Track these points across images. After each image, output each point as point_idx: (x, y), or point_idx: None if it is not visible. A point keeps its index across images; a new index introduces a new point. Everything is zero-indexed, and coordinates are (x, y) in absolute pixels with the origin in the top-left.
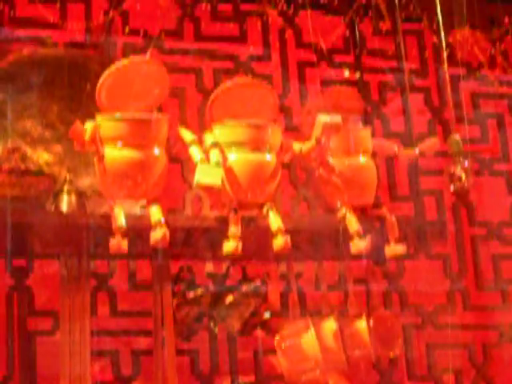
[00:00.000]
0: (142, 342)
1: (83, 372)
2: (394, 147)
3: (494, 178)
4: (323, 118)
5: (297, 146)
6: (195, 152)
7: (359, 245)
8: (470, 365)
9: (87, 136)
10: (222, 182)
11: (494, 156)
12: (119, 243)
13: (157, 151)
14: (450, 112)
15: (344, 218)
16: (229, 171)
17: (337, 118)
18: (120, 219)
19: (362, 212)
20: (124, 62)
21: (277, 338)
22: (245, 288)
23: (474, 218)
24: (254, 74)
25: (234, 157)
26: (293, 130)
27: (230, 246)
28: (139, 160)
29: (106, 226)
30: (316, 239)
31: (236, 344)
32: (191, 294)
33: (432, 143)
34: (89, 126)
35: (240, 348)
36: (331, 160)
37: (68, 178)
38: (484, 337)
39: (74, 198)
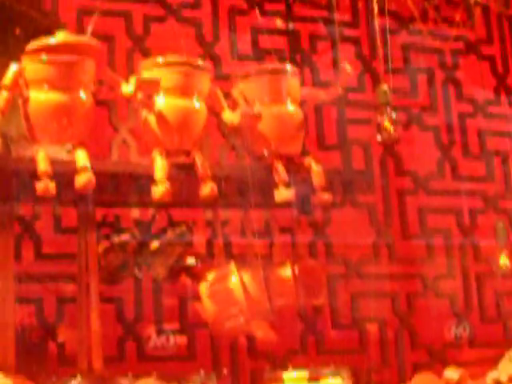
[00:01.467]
0: (67, 289)
1: (7, 318)
2: (322, 95)
3: (422, 131)
4: None
5: None
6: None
7: (285, 193)
8: (393, 314)
9: (8, 79)
10: (150, 127)
11: (423, 110)
12: (46, 186)
13: (83, 94)
14: (380, 63)
15: (271, 166)
16: (157, 116)
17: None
18: (44, 163)
19: (288, 161)
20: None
21: (201, 284)
22: (170, 234)
23: (401, 170)
24: (185, 21)
25: (163, 102)
26: (222, 78)
27: (158, 190)
28: (65, 103)
29: (31, 170)
30: (243, 187)
31: (161, 291)
32: (116, 240)
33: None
34: (12, 68)
35: (165, 295)
36: (259, 108)
37: None
38: (408, 287)
39: None
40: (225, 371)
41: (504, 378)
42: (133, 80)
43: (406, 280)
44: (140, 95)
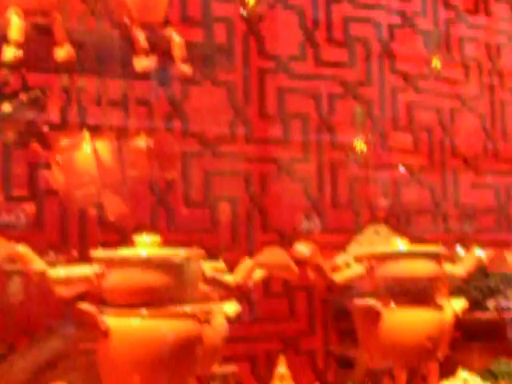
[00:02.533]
0: None
1: None
2: None
3: (287, 11)
4: None
5: None
6: None
7: (144, 62)
8: (246, 195)
9: None
10: None
11: None
12: None
13: None
14: None
15: (131, 34)
16: None
17: None
18: None
19: (150, 30)
20: None
21: (53, 152)
22: (23, 97)
23: (263, 50)
24: None
25: None
26: None
27: (9, 52)
28: None
29: None
30: (101, 55)
31: (11, 157)
32: None
33: None
34: None
35: (15, 161)
36: None
37: None
38: (262, 168)
39: None
40: (74, 253)
41: (352, 259)
42: None
43: (261, 161)
44: None
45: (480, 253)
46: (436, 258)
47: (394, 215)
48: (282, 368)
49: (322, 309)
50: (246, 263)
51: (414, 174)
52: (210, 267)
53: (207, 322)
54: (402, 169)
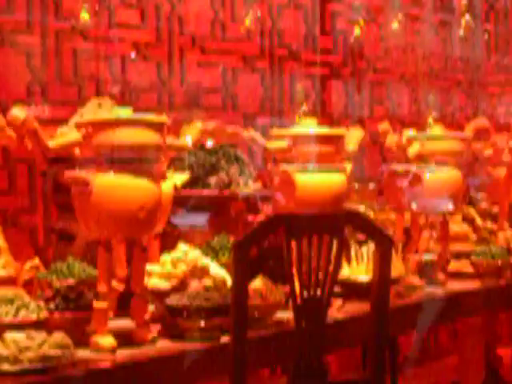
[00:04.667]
0: None
1: None
2: None
3: None
4: None
5: None
6: None
7: None
8: None
9: None
10: None
11: None
12: None
13: None
14: None
15: None
16: None
17: None
18: None
19: None
20: None
21: None
22: None
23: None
24: None
25: None
26: None
27: None
28: None
29: None
30: None
31: None
32: None
33: None
34: None
35: None
36: None
37: None
38: None
39: None
40: None
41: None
42: None
43: None
44: None
45: (200, 125)
46: (157, 127)
47: (119, 90)
48: None
49: (42, 182)
50: None
51: (140, 51)
52: None
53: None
54: (132, 54)
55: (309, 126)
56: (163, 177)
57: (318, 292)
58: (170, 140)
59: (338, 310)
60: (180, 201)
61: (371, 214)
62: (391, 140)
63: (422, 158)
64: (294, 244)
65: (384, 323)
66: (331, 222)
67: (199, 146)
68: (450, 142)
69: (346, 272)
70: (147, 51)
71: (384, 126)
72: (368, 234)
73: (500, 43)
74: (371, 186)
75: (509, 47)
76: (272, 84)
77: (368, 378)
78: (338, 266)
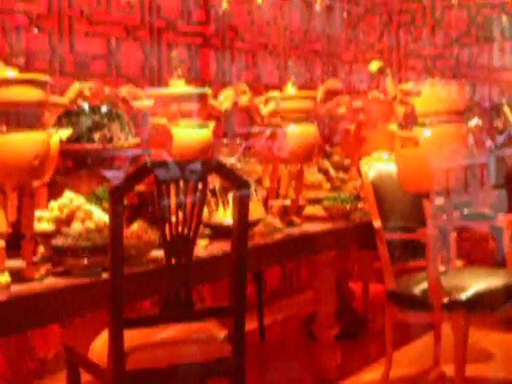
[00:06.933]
0: None
1: None
2: None
3: None
4: None
5: None
6: None
7: None
8: None
9: None
10: None
11: None
12: None
13: None
14: None
15: None
16: None
17: None
18: None
19: None
20: None
21: None
22: None
23: None
24: None
25: None
26: None
27: None
28: None
29: None
30: None
31: None
32: None
33: None
34: None
35: None
36: None
37: None
38: None
39: None
40: None
41: None
42: None
43: None
44: None
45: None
46: (42, 85)
47: (23, 61)
48: None
49: None
50: None
51: (32, 20)
52: None
53: None
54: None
55: (178, 87)
56: (49, 131)
57: (185, 231)
58: (55, 98)
59: (203, 249)
60: (67, 154)
61: (239, 166)
62: (244, 100)
63: (280, 116)
64: (163, 189)
65: (242, 258)
66: (195, 169)
67: (85, 105)
68: (300, 101)
69: (215, 216)
70: (38, 21)
71: (241, 87)
72: (229, 180)
73: (353, 20)
74: (239, 141)
75: (359, 23)
76: (152, 52)
77: (230, 306)
78: (201, 208)
